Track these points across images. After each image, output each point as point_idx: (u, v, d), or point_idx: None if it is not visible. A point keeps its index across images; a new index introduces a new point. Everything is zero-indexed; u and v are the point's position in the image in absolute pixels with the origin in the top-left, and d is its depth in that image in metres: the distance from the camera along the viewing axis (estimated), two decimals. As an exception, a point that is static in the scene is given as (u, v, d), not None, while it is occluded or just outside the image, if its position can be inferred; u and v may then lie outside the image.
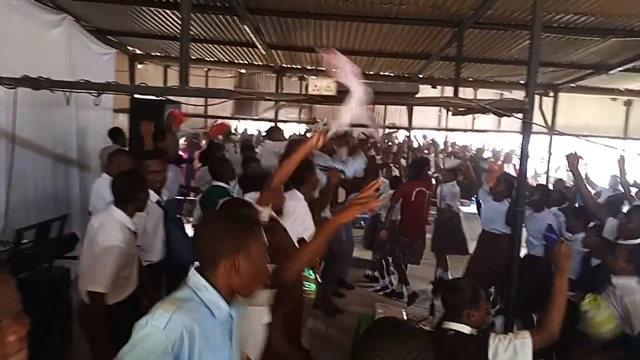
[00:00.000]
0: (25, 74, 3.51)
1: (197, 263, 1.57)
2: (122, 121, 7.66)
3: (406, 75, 8.72)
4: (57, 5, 5.47)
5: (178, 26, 6.18)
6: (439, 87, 9.11)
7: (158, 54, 8.37)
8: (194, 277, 1.52)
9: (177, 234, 4.01)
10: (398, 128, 12.63)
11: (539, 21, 3.39)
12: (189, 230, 5.55)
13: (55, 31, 5.38)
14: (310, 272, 2.96)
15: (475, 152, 12.06)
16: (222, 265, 1.49)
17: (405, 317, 4.18)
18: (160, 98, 6.20)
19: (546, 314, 2.24)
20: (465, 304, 2.35)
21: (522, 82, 8.49)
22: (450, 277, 6.49)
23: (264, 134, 10.97)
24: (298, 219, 3.24)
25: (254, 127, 13.58)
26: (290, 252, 2.21)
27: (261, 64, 8.68)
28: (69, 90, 3.51)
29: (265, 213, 2.36)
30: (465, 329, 2.28)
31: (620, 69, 6.62)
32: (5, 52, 4.31)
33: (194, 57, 8.17)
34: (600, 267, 3.87)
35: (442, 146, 13.16)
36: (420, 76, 8.40)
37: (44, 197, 5.27)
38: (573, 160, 4.46)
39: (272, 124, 9.98)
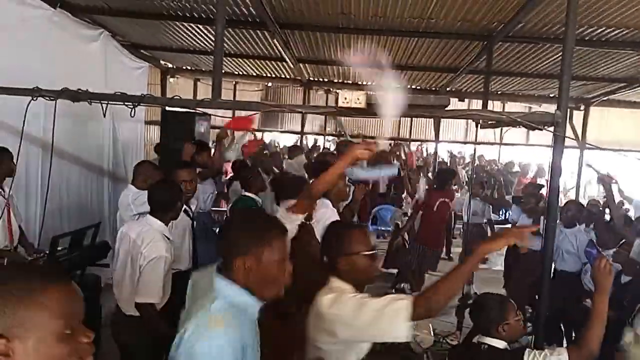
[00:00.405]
0: (64, 87, 3.63)
1: (215, 266, 1.63)
2: (153, 133, 7.85)
3: (433, 89, 8.70)
4: (95, 21, 5.67)
5: (209, 41, 6.34)
6: (466, 99, 9.06)
7: (189, 67, 8.56)
8: (219, 284, 1.55)
9: (207, 248, 4.06)
10: (424, 141, 12.59)
11: (572, 34, 3.35)
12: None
13: (92, 45, 5.58)
14: None
15: (503, 166, 11.90)
16: (236, 263, 1.53)
17: (431, 332, 4.14)
18: (191, 110, 6.32)
19: (585, 332, 2.18)
20: (493, 320, 2.33)
21: (551, 95, 8.38)
22: (473, 290, 6.46)
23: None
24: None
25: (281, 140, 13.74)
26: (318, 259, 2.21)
27: (288, 77, 8.79)
28: (106, 102, 3.60)
29: (297, 220, 2.37)
30: (499, 344, 2.26)
31: (654, 82, 6.49)
32: (46, 65, 4.48)
33: (224, 71, 8.31)
34: (630, 284, 3.78)
35: (468, 159, 13.04)
36: (448, 89, 8.37)
37: (77, 206, 5.42)
38: (606, 181, 4.44)
39: (298, 136, 10.09)
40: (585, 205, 6.09)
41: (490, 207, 7.00)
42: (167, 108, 6.30)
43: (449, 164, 11.37)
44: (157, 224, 2.89)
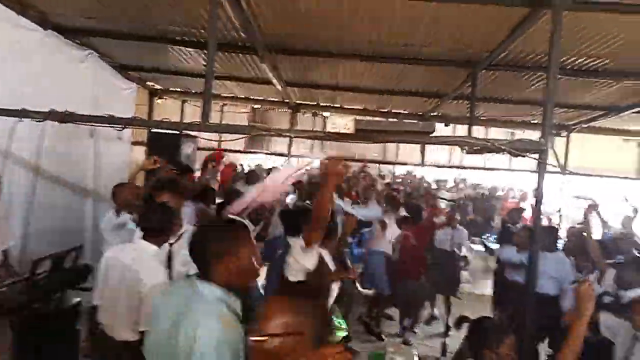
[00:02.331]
0: (52, 108, 3.61)
1: (191, 271, 1.87)
2: (139, 154, 7.79)
3: (419, 113, 8.81)
4: (84, 43, 5.68)
5: (199, 64, 6.37)
6: (451, 124, 9.18)
7: (177, 89, 8.57)
8: (206, 289, 1.76)
9: None
10: (409, 164, 12.71)
11: (555, 64, 3.46)
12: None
13: (80, 66, 5.57)
14: (341, 321, 3.02)
15: (488, 191, 12.04)
16: (216, 268, 1.76)
17: (416, 357, 4.12)
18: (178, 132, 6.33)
19: (560, 355, 2.20)
20: (487, 345, 2.33)
21: (534, 121, 8.54)
22: (437, 315, 6.54)
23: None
24: None
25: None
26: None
27: (276, 99, 8.84)
28: (94, 124, 3.60)
29: (314, 258, 2.48)
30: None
31: (633, 110, 6.66)
32: (34, 86, 4.46)
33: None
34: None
35: (451, 184, 13.15)
36: (435, 114, 8.48)
37: (59, 228, 5.32)
38: (590, 210, 4.63)
39: (285, 158, 10.12)
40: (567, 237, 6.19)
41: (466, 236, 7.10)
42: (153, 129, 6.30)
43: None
44: (151, 248, 2.84)
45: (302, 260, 2.62)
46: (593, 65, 5.14)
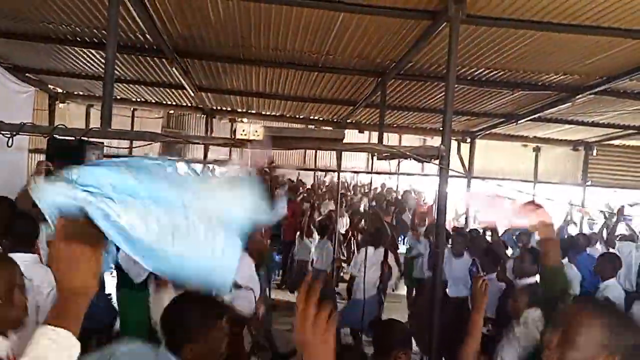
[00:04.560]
0: None
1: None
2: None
3: (334, 120, 8.97)
4: (-29, 41, 5.21)
5: (102, 66, 6.04)
6: (366, 131, 9.43)
7: (81, 92, 8.08)
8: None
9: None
10: (328, 170, 12.94)
11: (453, 74, 3.66)
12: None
13: (-34, 67, 5.10)
14: None
15: (402, 195, 12.47)
16: (185, 349, 1.72)
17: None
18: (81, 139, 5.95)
19: (462, 348, 2.31)
20: (396, 345, 2.37)
21: (441, 128, 8.98)
22: None
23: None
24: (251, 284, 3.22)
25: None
26: None
27: (190, 105, 8.60)
28: (-23, 130, 3.29)
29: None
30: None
31: (528, 118, 7.20)
32: None
33: (119, 97, 7.96)
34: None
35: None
36: (349, 121, 8.67)
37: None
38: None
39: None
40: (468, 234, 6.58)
41: None
42: (56, 136, 5.88)
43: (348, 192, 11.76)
44: (29, 255, 2.65)
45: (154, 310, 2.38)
46: (490, 75, 5.51)
